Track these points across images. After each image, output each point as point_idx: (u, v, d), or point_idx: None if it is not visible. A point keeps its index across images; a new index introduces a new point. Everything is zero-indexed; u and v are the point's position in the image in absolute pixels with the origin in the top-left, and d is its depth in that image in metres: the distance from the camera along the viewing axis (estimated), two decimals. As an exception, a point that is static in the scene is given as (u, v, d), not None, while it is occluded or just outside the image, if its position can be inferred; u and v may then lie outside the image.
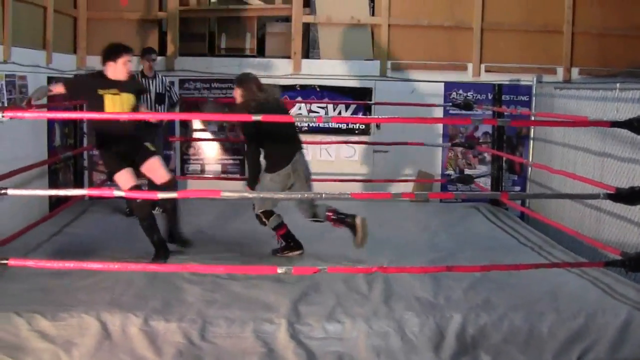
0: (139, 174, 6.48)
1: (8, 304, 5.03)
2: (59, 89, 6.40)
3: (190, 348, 4.83)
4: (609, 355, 4.80)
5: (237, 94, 6.64)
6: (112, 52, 6.37)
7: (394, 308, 5.21)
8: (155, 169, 6.58)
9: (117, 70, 6.33)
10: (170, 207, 6.74)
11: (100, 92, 6.23)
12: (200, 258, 6.42)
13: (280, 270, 4.88)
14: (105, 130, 6.36)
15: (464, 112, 9.67)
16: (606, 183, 6.06)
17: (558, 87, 9.34)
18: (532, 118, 9.50)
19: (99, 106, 6.23)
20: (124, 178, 6.28)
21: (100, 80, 6.34)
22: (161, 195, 5.53)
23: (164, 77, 8.74)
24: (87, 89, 6.38)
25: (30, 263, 5.21)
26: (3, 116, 4.91)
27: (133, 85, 6.63)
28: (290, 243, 6.71)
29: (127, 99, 6.36)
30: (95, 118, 6.66)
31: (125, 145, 6.40)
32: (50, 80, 8.35)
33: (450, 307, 5.24)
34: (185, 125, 9.95)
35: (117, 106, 6.28)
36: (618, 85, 7.31)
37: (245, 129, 6.68)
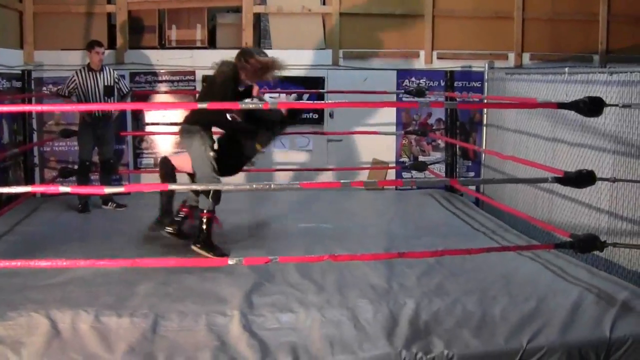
0: None
1: (-45, 305, 4.90)
2: None
3: (142, 343, 4.73)
4: (559, 336, 4.81)
5: None
6: None
7: (348, 296, 5.20)
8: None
9: None
10: None
11: None
12: (152, 252, 6.35)
13: (231, 262, 4.84)
14: None
15: (416, 99, 9.69)
16: (558, 167, 6.11)
17: (509, 72, 9.40)
18: (485, 102, 9.56)
19: None
20: None
21: None
22: (108, 190, 5.44)
23: (112, 70, 8.59)
24: None
25: (-25, 262, 5.07)
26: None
27: None
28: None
29: None
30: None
31: None
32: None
33: (403, 294, 5.25)
34: (137, 120, 9.83)
35: None
36: (567, 69, 7.38)
37: None
